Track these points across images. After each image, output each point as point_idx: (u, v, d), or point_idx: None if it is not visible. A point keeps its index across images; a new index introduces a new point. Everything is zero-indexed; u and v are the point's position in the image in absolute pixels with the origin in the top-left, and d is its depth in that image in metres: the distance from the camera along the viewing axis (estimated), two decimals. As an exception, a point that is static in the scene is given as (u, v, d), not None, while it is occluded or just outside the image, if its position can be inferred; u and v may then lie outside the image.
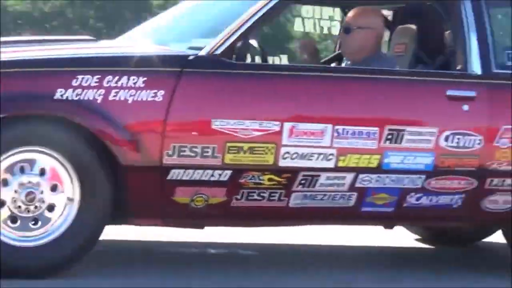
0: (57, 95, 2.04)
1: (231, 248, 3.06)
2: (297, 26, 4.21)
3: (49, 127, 2.06)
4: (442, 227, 3.00)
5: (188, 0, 3.17)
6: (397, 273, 2.70)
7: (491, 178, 2.45)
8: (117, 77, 2.10)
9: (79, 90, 2.05)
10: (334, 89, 2.39)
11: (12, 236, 2.04)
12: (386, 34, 2.96)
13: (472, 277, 2.68)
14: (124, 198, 2.12)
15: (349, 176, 2.32)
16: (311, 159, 2.26)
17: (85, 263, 2.19)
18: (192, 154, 2.14)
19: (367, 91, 2.40)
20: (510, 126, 2.45)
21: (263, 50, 2.63)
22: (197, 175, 2.16)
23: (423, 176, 2.39)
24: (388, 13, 3.04)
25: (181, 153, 2.13)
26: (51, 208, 2.08)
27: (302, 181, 2.26)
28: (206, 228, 2.41)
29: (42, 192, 2.05)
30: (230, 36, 2.28)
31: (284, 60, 4.56)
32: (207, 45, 2.30)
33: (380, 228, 2.68)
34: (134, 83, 2.10)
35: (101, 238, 2.21)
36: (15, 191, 2.03)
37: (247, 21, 2.31)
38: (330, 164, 2.29)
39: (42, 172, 2.07)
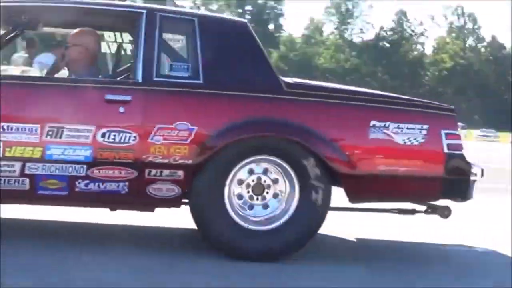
0: None
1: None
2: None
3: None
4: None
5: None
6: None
7: (149, 169, 2.87)
8: None
9: None
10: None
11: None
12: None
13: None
14: None
15: (17, 164, 2.82)
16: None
17: None
18: None
19: (32, 96, 2.87)
20: (163, 126, 2.85)
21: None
22: None
23: (85, 166, 2.84)
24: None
25: None
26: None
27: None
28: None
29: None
30: None
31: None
32: None
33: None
34: None
35: None
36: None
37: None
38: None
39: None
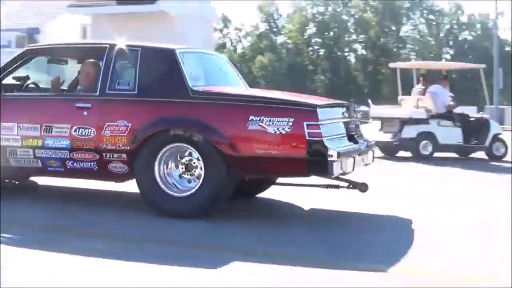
0: None
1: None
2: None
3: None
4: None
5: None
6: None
7: (105, 153, 4.24)
8: None
9: None
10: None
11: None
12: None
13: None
14: None
15: (31, 151, 4.43)
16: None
17: None
18: None
19: (34, 105, 4.48)
20: (110, 123, 4.20)
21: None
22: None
23: (68, 151, 4.33)
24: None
25: None
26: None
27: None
28: None
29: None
30: None
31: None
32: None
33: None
34: None
35: None
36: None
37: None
38: (19, 144, 4.44)
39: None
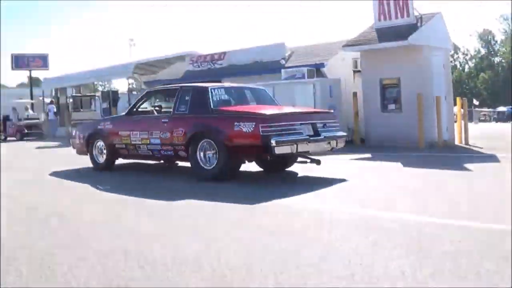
0: None
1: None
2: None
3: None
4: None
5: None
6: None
7: (174, 146, 7.89)
8: None
9: None
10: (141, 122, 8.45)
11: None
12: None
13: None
14: None
15: (144, 146, 8.34)
16: (136, 142, 8.47)
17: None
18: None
19: (159, 122, 8.38)
20: (178, 129, 7.80)
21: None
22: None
23: (159, 145, 8.10)
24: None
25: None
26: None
27: (134, 147, 8.50)
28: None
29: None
30: (133, 107, 8.75)
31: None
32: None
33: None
34: None
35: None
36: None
37: (136, 103, 8.72)
38: (142, 141, 8.38)
39: None
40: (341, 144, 7.77)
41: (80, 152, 9.86)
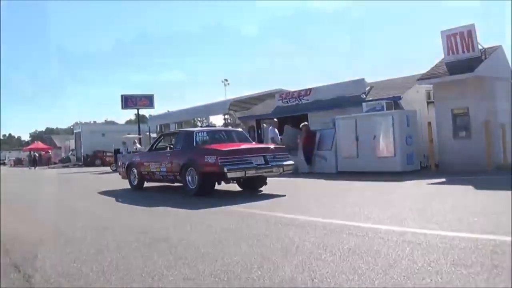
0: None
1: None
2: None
3: None
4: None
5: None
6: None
7: (174, 173, 11.37)
8: None
9: None
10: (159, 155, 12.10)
11: None
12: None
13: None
14: None
15: (158, 173, 11.94)
16: (153, 170, 12.13)
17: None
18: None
19: (165, 156, 11.99)
20: (174, 161, 11.29)
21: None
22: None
23: (165, 173, 11.68)
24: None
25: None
26: None
27: (153, 173, 12.16)
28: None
29: None
30: (152, 145, 12.56)
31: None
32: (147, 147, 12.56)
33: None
34: None
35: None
36: None
37: (155, 142, 12.49)
38: (156, 169, 11.99)
39: None
40: (288, 170, 10.80)
41: (123, 177, 13.73)
